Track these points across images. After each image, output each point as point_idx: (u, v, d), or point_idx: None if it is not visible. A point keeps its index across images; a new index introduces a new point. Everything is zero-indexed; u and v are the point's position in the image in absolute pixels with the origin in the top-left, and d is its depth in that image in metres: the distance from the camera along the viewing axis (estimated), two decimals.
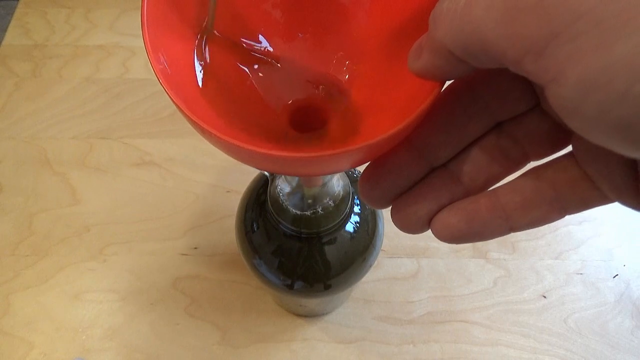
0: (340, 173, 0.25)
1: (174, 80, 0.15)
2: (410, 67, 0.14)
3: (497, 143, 0.16)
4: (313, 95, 0.19)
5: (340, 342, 0.37)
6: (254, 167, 0.15)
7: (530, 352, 0.36)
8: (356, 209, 0.26)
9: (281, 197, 0.24)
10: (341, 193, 0.25)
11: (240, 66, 0.18)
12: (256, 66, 0.19)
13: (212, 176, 0.43)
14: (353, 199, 0.26)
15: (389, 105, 0.17)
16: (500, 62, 0.12)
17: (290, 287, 0.27)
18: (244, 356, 0.36)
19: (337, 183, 0.24)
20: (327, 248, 0.26)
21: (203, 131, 0.13)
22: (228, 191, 0.43)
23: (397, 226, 0.17)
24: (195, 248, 0.40)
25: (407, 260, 0.40)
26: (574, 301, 0.38)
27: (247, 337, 0.37)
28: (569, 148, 0.15)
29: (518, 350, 0.37)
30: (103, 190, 0.43)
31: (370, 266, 0.28)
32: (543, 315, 0.38)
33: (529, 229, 0.16)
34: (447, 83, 0.15)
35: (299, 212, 0.24)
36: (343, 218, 0.25)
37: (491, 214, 0.15)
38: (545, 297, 0.39)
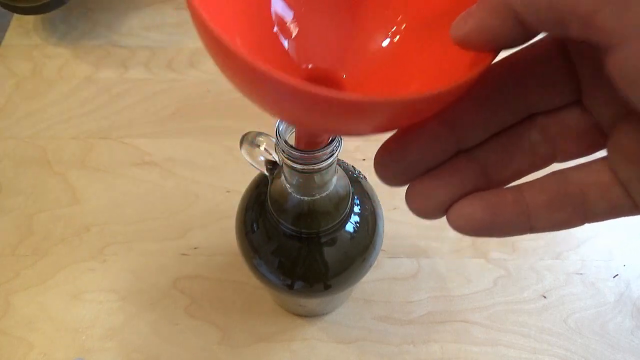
0: (341, 173, 0.25)
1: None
2: (455, 33, 0.13)
3: (527, 136, 0.15)
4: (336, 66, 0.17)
5: (340, 342, 0.37)
6: (269, 110, 0.13)
7: (530, 352, 0.36)
8: (356, 209, 0.26)
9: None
10: (341, 193, 0.25)
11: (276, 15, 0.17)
12: (291, 18, 0.17)
13: (212, 176, 0.43)
14: (353, 198, 0.26)
15: (434, 72, 0.16)
16: (566, 19, 0.10)
17: (290, 287, 0.27)
18: (244, 356, 0.36)
19: (337, 182, 0.24)
20: (327, 248, 0.26)
21: (227, 52, 0.11)
22: (228, 191, 0.42)
23: (411, 209, 0.15)
24: (195, 248, 0.40)
25: (407, 260, 0.40)
26: (574, 301, 0.38)
27: (247, 337, 0.37)
28: (600, 154, 0.15)
29: (518, 350, 0.37)
30: (103, 190, 0.43)
31: (370, 266, 0.28)
32: (543, 315, 0.38)
33: (548, 231, 0.15)
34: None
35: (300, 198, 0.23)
36: (343, 218, 0.25)
37: (515, 209, 0.14)
38: (545, 297, 0.39)
